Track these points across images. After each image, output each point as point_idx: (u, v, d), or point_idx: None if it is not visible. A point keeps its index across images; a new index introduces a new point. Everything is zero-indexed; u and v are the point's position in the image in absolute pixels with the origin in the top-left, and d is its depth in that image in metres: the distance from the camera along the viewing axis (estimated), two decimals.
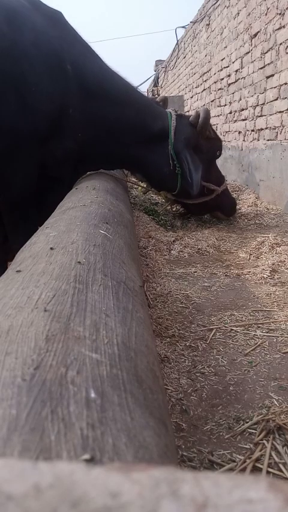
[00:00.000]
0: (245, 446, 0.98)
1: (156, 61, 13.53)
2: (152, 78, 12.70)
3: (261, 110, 4.08)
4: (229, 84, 5.23)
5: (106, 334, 0.55)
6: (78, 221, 1.14)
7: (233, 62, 5.01)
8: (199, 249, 2.64)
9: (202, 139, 2.92)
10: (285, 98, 3.48)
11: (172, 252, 2.62)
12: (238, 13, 4.72)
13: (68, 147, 2.33)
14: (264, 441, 0.98)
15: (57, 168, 2.37)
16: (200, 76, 6.92)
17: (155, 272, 2.22)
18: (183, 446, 0.99)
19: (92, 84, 2.35)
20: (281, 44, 3.54)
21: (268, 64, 3.84)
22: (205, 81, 6.59)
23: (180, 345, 1.46)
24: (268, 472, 0.90)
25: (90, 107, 2.35)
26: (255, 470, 0.91)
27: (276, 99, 3.68)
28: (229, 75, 5.19)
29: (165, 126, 2.75)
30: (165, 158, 2.78)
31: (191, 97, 7.81)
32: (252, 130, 4.39)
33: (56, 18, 2.33)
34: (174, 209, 3.50)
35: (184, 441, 1.01)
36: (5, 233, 2.39)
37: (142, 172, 2.98)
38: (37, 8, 2.27)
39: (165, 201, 3.32)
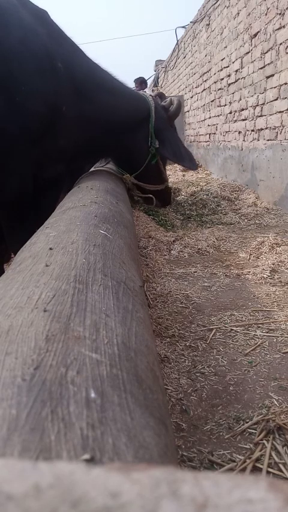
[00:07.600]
0: (245, 446, 0.98)
1: (156, 61, 13.55)
2: (152, 78, 12.71)
3: (261, 110, 4.08)
4: (229, 84, 5.23)
5: (106, 334, 0.55)
6: (78, 221, 1.14)
7: (233, 62, 5.01)
8: (199, 249, 2.64)
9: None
10: (285, 98, 3.48)
11: (172, 252, 2.62)
12: (238, 13, 4.72)
13: (63, 146, 2.31)
14: (264, 441, 0.98)
15: (52, 168, 2.35)
16: (200, 76, 6.92)
17: (155, 272, 2.22)
18: (183, 446, 0.99)
19: (83, 80, 2.34)
20: (281, 44, 3.54)
21: (268, 64, 3.84)
22: (205, 81, 6.59)
23: (180, 345, 1.46)
24: (268, 472, 0.90)
25: (84, 103, 2.33)
26: (255, 470, 0.91)
27: (276, 99, 3.68)
28: (229, 75, 5.19)
29: (148, 108, 2.93)
30: (145, 137, 2.96)
31: (191, 97, 7.81)
32: (252, 131, 4.39)
33: (42, 17, 2.28)
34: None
35: (184, 441, 1.01)
36: (1, 235, 2.38)
37: (120, 156, 3.01)
38: (24, 6, 2.21)
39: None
